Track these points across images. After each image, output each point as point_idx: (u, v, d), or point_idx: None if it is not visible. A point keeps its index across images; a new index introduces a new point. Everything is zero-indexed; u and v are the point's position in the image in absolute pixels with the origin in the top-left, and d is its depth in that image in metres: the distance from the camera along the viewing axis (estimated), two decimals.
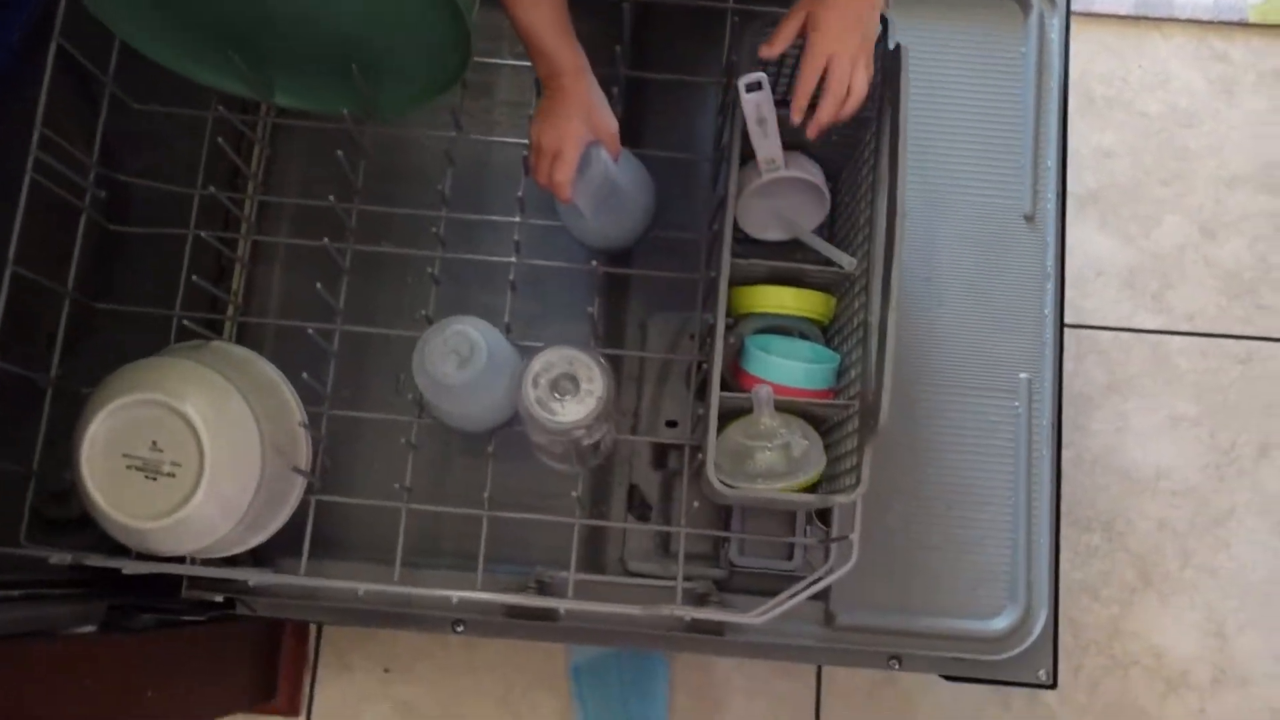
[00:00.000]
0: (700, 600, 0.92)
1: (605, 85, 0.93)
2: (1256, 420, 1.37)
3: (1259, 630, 1.30)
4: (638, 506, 0.99)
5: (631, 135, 1.04)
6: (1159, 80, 1.52)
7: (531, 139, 0.86)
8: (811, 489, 0.85)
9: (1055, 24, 1.08)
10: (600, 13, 0.99)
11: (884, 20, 0.84)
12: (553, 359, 0.79)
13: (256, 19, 0.85)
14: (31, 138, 0.86)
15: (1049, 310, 1.02)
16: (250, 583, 0.84)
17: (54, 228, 0.91)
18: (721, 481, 0.77)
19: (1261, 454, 1.37)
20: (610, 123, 0.87)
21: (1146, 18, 1.57)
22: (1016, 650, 0.94)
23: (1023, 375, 1.00)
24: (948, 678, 0.96)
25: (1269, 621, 1.30)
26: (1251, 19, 1.58)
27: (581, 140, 0.84)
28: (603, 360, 0.80)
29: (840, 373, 0.87)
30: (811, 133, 0.83)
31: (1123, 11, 1.58)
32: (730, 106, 0.88)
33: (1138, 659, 1.30)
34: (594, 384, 0.79)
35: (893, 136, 0.76)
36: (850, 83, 0.81)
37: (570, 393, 0.78)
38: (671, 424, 0.99)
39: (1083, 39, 1.53)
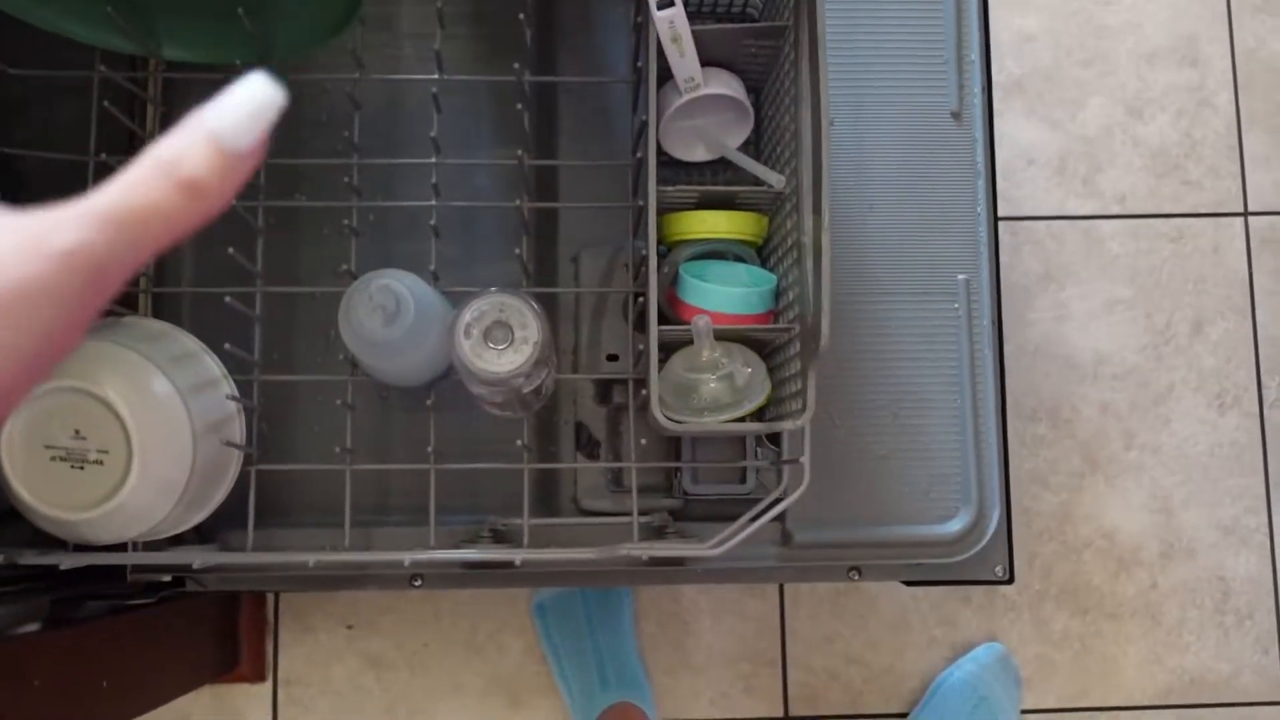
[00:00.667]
0: (658, 534, 0.92)
1: (511, 10, 0.89)
2: (1189, 298, 1.39)
3: (1201, 503, 1.34)
4: (586, 444, 0.98)
5: (544, 62, 1.00)
6: None
7: None
8: (759, 412, 0.84)
9: None
10: None
11: None
12: (483, 307, 0.77)
13: None
14: None
15: (982, 209, 1.01)
16: (195, 564, 0.82)
17: None
18: (668, 418, 0.76)
19: (1195, 331, 1.39)
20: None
21: None
22: (973, 551, 0.95)
23: (960, 276, 0.99)
24: (907, 583, 0.98)
25: (1210, 494, 1.34)
26: None
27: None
28: (535, 304, 0.78)
29: (778, 294, 0.85)
30: None
31: None
32: (643, 25, 0.85)
33: (1090, 541, 1.33)
34: (528, 329, 0.76)
35: (811, 49, 0.74)
36: None
37: (505, 341, 0.76)
38: (613, 358, 0.97)
39: None
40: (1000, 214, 1.02)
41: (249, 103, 0.36)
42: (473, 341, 0.76)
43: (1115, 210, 1.41)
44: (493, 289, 0.78)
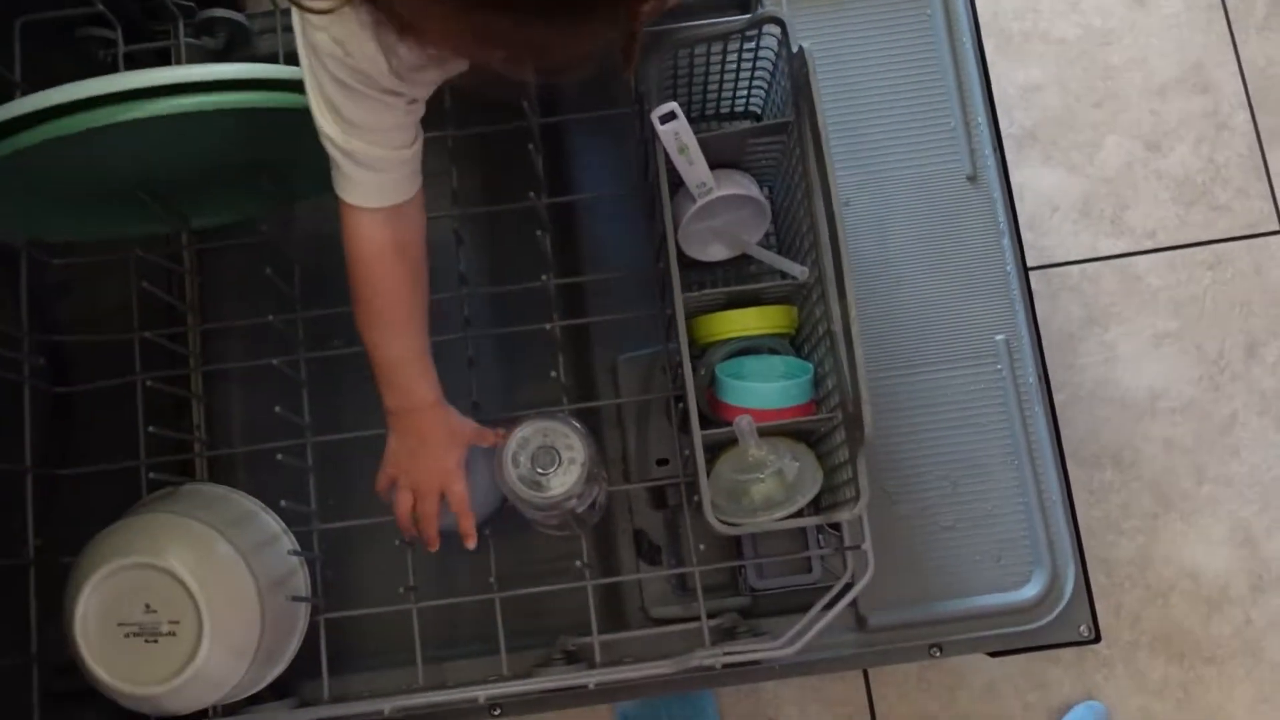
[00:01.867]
0: (729, 635, 0.91)
1: (520, 140, 0.92)
2: (1238, 322, 1.36)
3: None
4: (647, 551, 0.98)
5: (559, 183, 1.03)
6: (1069, 3, 1.51)
7: (394, 481, 0.84)
8: (815, 500, 0.83)
9: None
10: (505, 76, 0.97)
11: (781, 24, 0.82)
12: (527, 434, 0.78)
13: (148, 181, 0.84)
14: None
15: (1010, 266, 1.01)
16: None
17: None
18: (722, 521, 0.76)
19: (1249, 355, 1.36)
20: (481, 429, 0.84)
21: None
22: (1053, 613, 0.92)
23: (999, 337, 0.99)
24: (992, 654, 0.95)
25: None
26: None
27: (463, 468, 0.82)
28: (577, 423, 0.78)
29: (817, 381, 0.85)
30: None
31: None
32: (649, 138, 0.87)
33: (1174, 584, 1.29)
34: (574, 450, 0.77)
35: (815, 143, 0.75)
36: None
37: (552, 464, 0.77)
38: (662, 462, 0.97)
39: None
40: (1031, 263, 1.01)
41: None
42: (521, 470, 0.77)
43: (1148, 245, 1.40)
44: (532, 413, 0.79)
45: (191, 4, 1.01)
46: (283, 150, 0.84)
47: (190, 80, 0.72)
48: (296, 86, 0.72)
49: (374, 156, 0.71)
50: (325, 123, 0.70)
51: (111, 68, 0.98)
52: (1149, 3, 1.50)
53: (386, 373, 0.80)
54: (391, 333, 0.78)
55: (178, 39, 1.00)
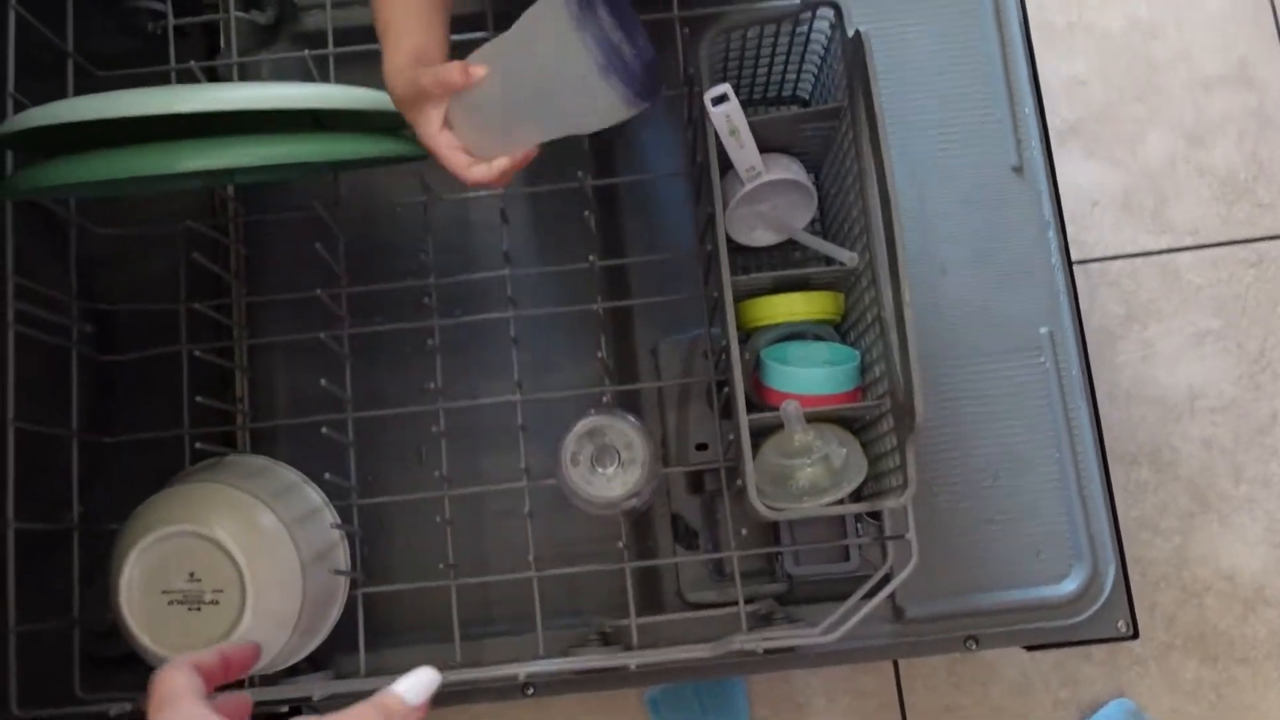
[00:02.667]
0: (765, 621, 0.91)
1: None
2: (1279, 321, 1.35)
3: None
4: (684, 535, 0.98)
5: (605, 162, 1.02)
6: None
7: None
8: (858, 489, 0.83)
9: None
10: None
11: (837, 8, 0.82)
12: (585, 431, 0.77)
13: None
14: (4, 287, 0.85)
15: (1055, 259, 1.00)
16: (315, 696, 0.82)
17: (46, 370, 0.90)
18: (768, 506, 0.76)
19: None
20: (436, 73, 0.71)
21: None
22: (1092, 609, 0.92)
23: (1043, 330, 0.98)
24: (1029, 648, 0.95)
25: None
26: None
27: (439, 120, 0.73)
28: (635, 420, 0.78)
29: (863, 369, 0.85)
30: None
31: None
32: (699, 120, 0.86)
33: (1210, 585, 1.28)
34: (634, 449, 0.77)
35: (871, 127, 0.74)
36: None
37: (613, 463, 0.76)
38: (702, 447, 0.97)
39: None
40: (1073, 258, 1.00)
41: (420, 684, 0.51)
42: (581, 469, 0.77)
43: (1189, 242, 1.38)
44: (591, 412, 0.78)
45: None
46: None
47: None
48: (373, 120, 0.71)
49: None
50: None
51: (161, 40, 0.98)
52: None
53: (392, 34, 0.75)
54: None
55: (227, 12, 1.00)
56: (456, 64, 0.69)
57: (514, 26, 0.68)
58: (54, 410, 0.89)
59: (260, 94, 0.73)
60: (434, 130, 0.73)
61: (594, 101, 0.65)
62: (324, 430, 0.85)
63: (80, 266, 0.93)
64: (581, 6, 0.62)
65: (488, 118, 0.71)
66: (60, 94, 0.92)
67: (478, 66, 0.69)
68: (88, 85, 0.93)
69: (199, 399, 0.87)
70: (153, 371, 0.95)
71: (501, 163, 0.73)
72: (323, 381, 0.86)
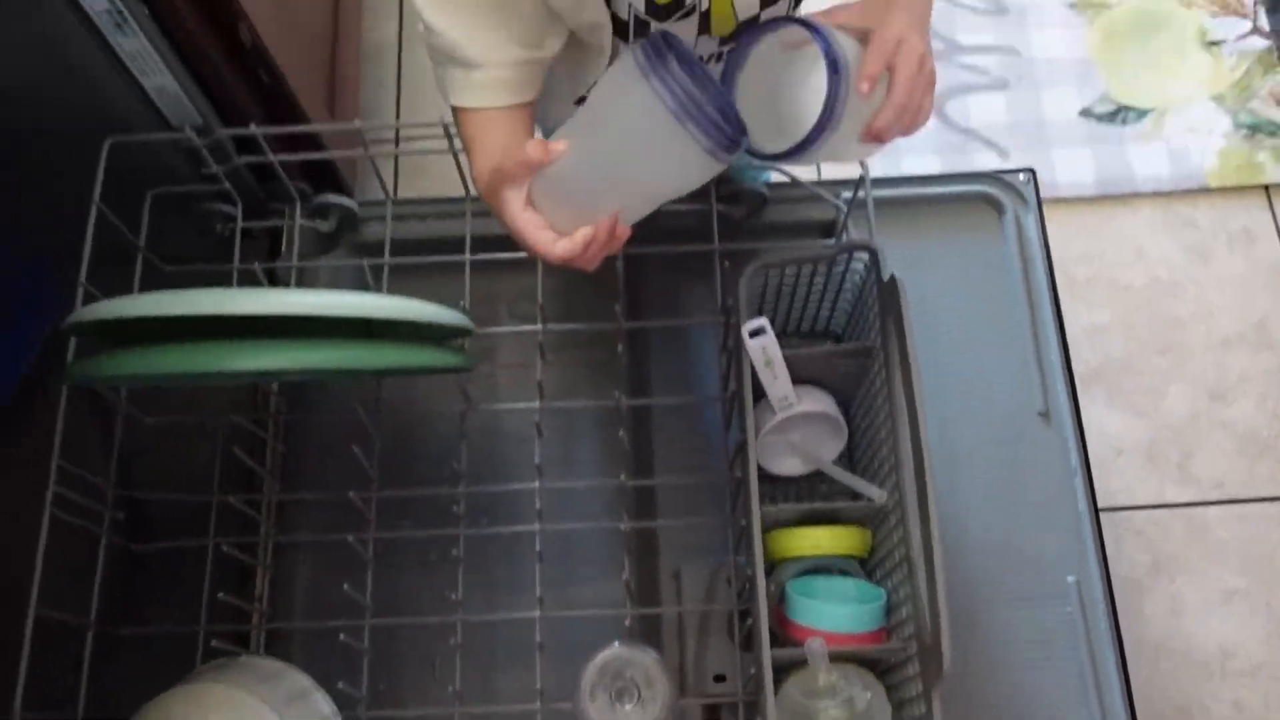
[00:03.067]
0: None
1: (606, 340, 0.95)
2: None
3: None
4: None
5: (638, 383, 1.05)
6: (1135, 253, 1.56)
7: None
8: None
9: (1030, 220, 1.11)
10: (595, 273, 1.01)
11: (873, 253, 0.86)
12: (606, 664, 0.77)
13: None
14: (46, 467, 0.86)
15: (1083, 507, 1.00)
16: None
17: (71, 554, 0.90)
18: None
19: None
20: (515, 159, 0.72)
21: (1110, 196, 1.63)
22: None
23: (1070, 578, 0.97)
24: None
25: None
26: (1211, 184, 1.64)
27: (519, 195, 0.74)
28: (658, 655, 0.77)
29: (890, 608, 0.84)
30: (866, 137, 0.70)
31: (1087, 193, 1.64)
32: (734, 349, 0.89)
33: None
34: (655, 687, 0.76)
35: (904, 370, 0.77)
36: (921, 99, 0.70)
37: (632, 699, 0.75)
38: (720, 678, 0.94)
39: (1054, 222, 1.56)
40: (1098, 505, 1.01)
41: None
42: (599, 704, 0.76)
43: (1215, 496, 1.39)
44: (614, 644, 0.77)
45: (307, 189, 1.07)
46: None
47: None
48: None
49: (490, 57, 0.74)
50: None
51: (228, 240, 1.04)
52: (1212, 259, 1.55)
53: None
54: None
55: (293, 219, 1.06)
56: (535, 141, 0.70)
57: (591, 94, 0.70)
58: (74, 595, 0.88)
59: (313, 300, 0.77)
60: (516, 210, 0.72)
61: (674, 155, 0.64)
62: (342, 637, 0.84)
63: (120, 452, 0.95)
64: (650, 56, 0.62)
65: (570, 190, 0.71)
66: (127, 284, 0.96)
67: (557, 142, 0.69)
68: (154, 278, 0.98)
69: (220, 595, 0.86)
70: (177, 561, 0.95)
71: (585, 232, 0.71)
72: (345, 586, 0.86)
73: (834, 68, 0.64)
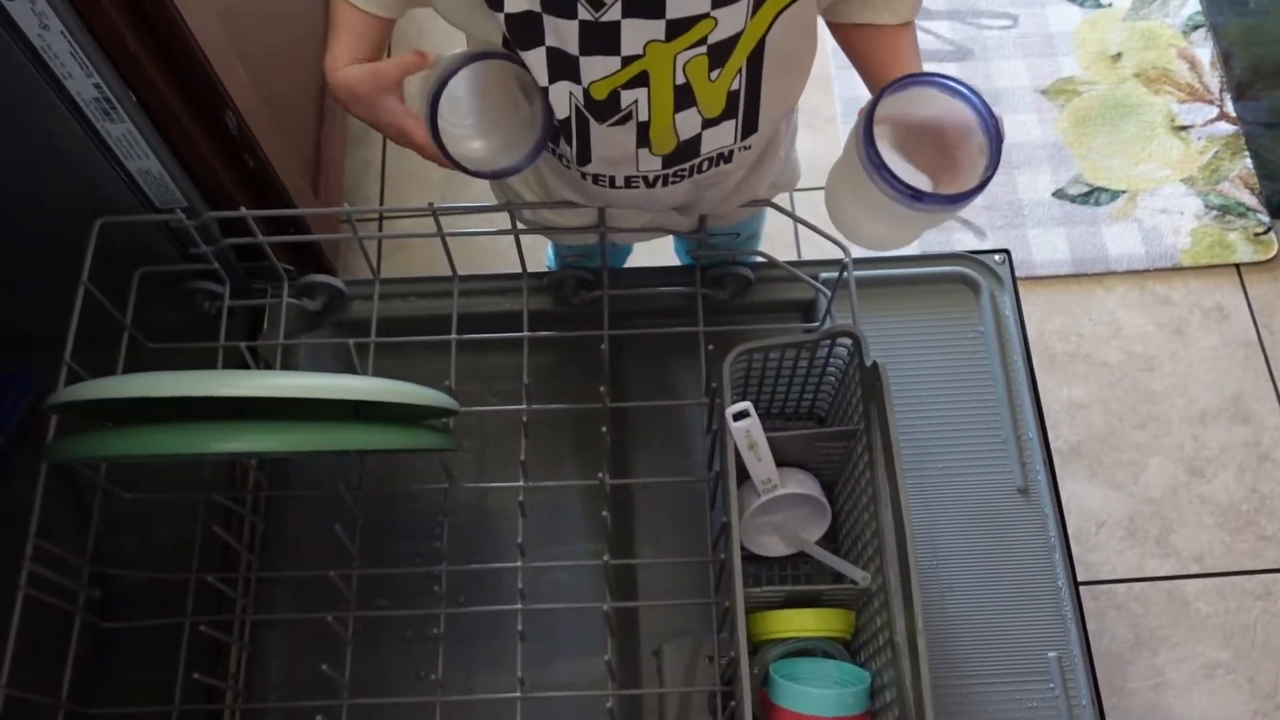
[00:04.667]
0: None
1: (590, 419, 0.96)
2: None
3: None
4: None
5: (621, 462, 1.05)
6: (1111, 330, 1.58)
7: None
8: None
9: (1006, 300, 1.13)
10: (580, 353, 1.02)
11: (856, 339, 0.87)
12: None
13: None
14: (19, 544, 0.85)
15: (1062, 582, 1.01)
16: None
17: (42, 631, 0.88)
18: None
19: None
20: (378, 67, 0.83)
21: (1086, 274, 1.66)
22: None
23: (1050, 654, 0.97)
24: None
25: None
26: (1184, 262, 1.67)
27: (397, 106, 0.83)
28: None
29: (874, 691, 0.84)
30: None
31: (1063, 271, 1.67)
32: (718, 431, 0.90)
33: None
34: None
35: (886, 453, 0.77)
36: None
37: None
38: None
39: (1031, 300, 1.60)
40: (1079, 579, 1.01)
41: None
42: None
43: (1195, 569, 1.39)
44: None
45: (292, 268, 1.08)
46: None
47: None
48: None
49: None
50: None
51: (215, 319, 1.04)
52: (1187, 335, 1.57)
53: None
54: None
55: (279, 298, 1.06)
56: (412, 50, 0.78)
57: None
58: (44, 673, 0.87)
59: (300, 383, 0.77)
60: (397, 107, 0.81)
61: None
62: (317, 719, 0.83)
63: (95, 529, 0.94)
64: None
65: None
66: (109, 361, 0.96)
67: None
68: (138, 355, 0.98)
69: (195, 675, 0.85)
70: (151, 638, 0.94)
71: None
72: (324, 667, 0.85)
73: (993, 127, 0.73)
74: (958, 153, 0.76)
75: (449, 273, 1.04)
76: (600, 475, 0.91)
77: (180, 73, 0.89)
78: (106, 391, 0.74)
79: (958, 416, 1.07)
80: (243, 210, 0.94)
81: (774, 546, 0.96)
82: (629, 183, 0.86)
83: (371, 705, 0.92)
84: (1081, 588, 1.01)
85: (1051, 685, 0.96)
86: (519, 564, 0.95)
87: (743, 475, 0.89)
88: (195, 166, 0.95)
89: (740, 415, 0.84)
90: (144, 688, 0.92)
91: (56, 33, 0.78)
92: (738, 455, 0.86)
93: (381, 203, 1.30)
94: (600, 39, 0.71)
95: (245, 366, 1.00)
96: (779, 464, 0.90)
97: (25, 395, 1.06)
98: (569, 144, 0.81)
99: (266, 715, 0.96)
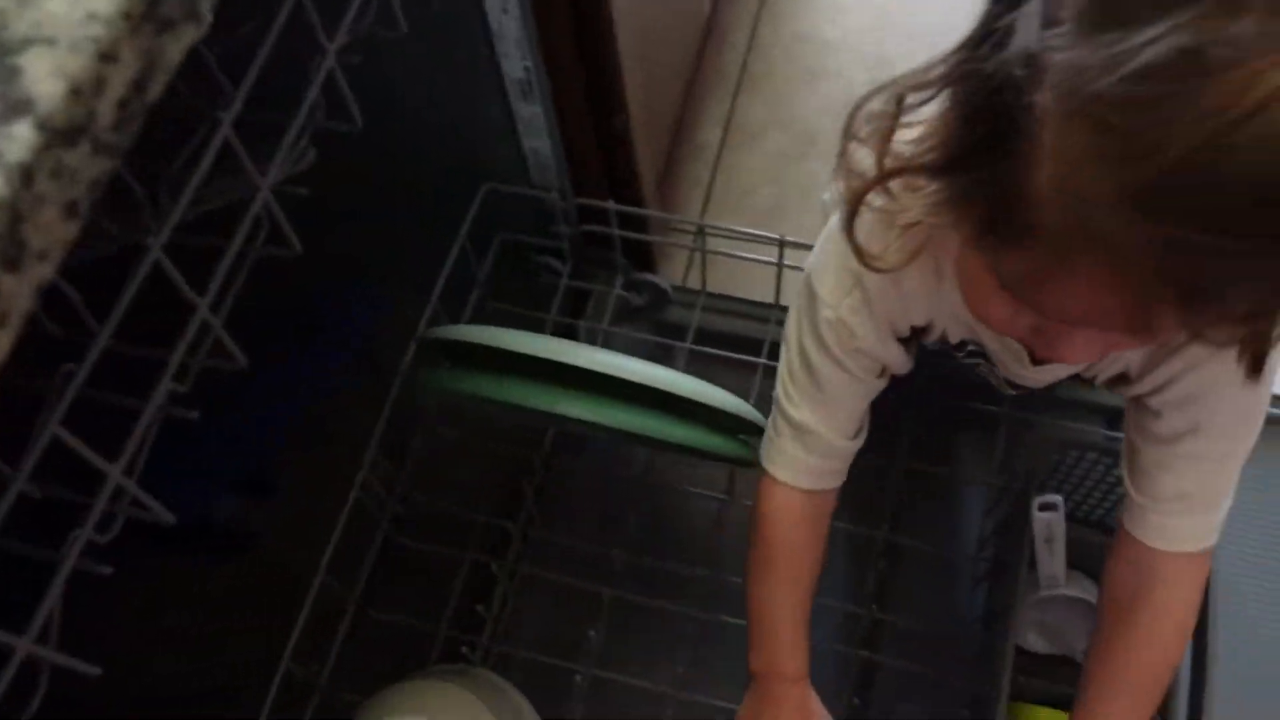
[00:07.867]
0: None
1: (873, 474, 0.97)
2: None
3: None
4: None
5: (896, 518, 1.06)
6: None
7: None
8: None
9: None
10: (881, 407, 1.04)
11: None
12: None
13: None
14: (344, 452, 0.94)
15: None
16: None
17: (350, 537, 0.98)
18: None
19: None
20: None
21: None
22: None
23: None
24: None
25: None
26: None
27: None
28: None
29: None
30: None
31: None
32: (1010, 516, 0.90)
33: None
34: None
35: None
36: None
37: None
38: None
39: None
40: None
41: None
42: None
43: None
44: None
45: (627, 264, 1.15)
46: None
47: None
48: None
49: (820, 441, 0.75)
50: (789, 388, 0.75)
51: (546, 293, 1.13)
52: None
53: (759, 631, 0.81)
54: (779, 588, 0.80)
55: (610, 287, 1.14)
56: None
57: None
58: (345, 575, 0.96)
59: (648, 372, 0.83)
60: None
61: None
62: (577, 678, 0.89)
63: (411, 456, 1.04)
64: None
65: None
66: (458, 311, 1.06)
67: None
68: (483, 310, 1.07)
69: (479, 608, 0.93)
70: (428, 564, 1.02)
71: None
72: (591, 633, 0.91)
73: None
74: None
75: (769, 299, 1.08)
76: (879, 534, 0.93)
77: (592, 72, 0.97)
78: (494, 340, 0.82)
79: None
80: (610, 203, 1.02)
81: (1034, 643, 0.95)
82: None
83: (614, 681, 0.97)
84: None
85: None
86: None
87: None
88: (577, 155, 1.03)
89: (1048, 507, 0.84)
90: (417, 604, 1.01)
91: (513, 17, 0.87)
92: (1031, 545, 0.86)
93: (702, 218, 1.38)
94: None
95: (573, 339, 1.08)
96: (1068, 565, 0.89)
97: (360, 331, 1.16)
98: None
99: (512, 661, 1.02)
